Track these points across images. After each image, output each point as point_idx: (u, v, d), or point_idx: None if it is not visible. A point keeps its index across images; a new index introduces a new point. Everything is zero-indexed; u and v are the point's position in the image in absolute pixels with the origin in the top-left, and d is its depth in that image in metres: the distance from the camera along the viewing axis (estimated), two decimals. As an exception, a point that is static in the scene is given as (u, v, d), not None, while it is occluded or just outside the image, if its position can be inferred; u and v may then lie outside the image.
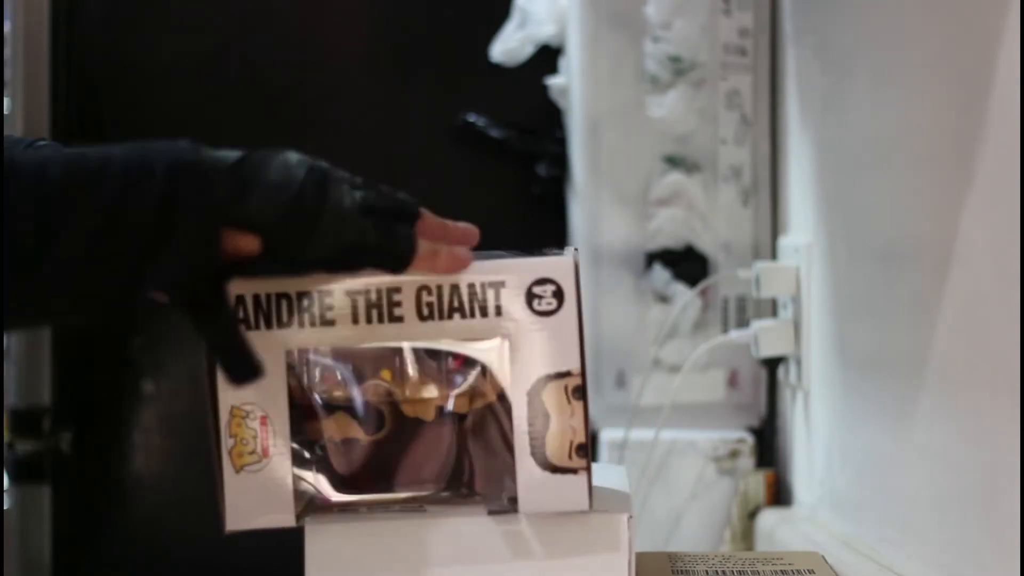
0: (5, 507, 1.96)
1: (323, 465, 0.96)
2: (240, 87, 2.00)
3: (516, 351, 0.95)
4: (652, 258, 1.77)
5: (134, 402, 2.00)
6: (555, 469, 0.95)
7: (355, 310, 0.94)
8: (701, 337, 1.75)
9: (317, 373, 0.95)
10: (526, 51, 1.93)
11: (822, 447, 1.56)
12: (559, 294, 0.95)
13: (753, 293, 1.66)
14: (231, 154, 0.89)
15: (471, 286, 0.95)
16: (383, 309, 0.94)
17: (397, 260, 0.92)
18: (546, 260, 0.96)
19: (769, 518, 1.67)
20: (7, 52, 1.93)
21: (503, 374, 0.96)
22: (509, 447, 0.97)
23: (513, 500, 0.97)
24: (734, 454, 1.74)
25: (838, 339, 1.51)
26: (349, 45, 2.02)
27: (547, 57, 1.94)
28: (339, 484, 0.96)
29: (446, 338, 0.95)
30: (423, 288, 0.94)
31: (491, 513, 0.97)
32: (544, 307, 0.95)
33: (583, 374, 0.95)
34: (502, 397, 0.97)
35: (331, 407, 0.96)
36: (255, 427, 0.93)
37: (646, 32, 1.76)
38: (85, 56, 1.99)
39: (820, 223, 1.57)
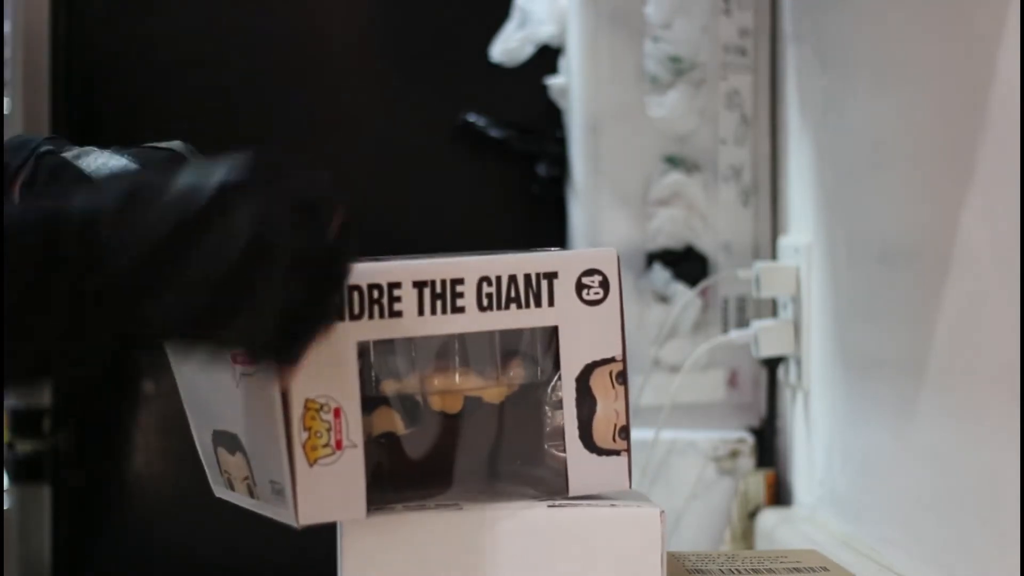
0: (5, 507, 1.96)
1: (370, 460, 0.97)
2: (240, 87, 2.00)
3: (566, 339, 0.98)
4: (652, 258, 1.77)
5: (134, 402, 2.00)
6: (601, 452, 0.99)
7: (421, 301, 0.95)
8: (701, 337, 1.75)
9: (366, 366, 0.96)
10: (526, 51, 1.93)
11: (822, 447, 1.56)
12: (605, 284, 0.99)
13: (753, 293, 1.66)
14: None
15: (527, 276, 0.97)
16: (447, 300, 0.96)
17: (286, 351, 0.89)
18: (593, 252, 1.00)
19: (769, 518, 1.67)
20: (7, 52, 1.93)
21: (549, 360, 0.99)
22: (545, 434, 0.99)
23: (550, 486, 0.99)
24: (734, 454, 1.74)
25: (838, 339, 1.51)
26: (349, 45, 2.02)
27: (547, 57, 1.94)
28: (379, 480, 0.97)
29: (503, 327, 0.97)
30: (484, 279, 0.97)
31: (533, 508, 0.98)
32: (592, 296, 0.99)
33: (624, 360, 0.99)
34: (540, 385, 0.99)
35: (376, 401, 0.97)
36: (329, 419, 0.94)
37: (646, 32, 1.76)
38: (85, 56, 1.99)
39: (820, 223, 1.57)
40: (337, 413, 0.94)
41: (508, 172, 1.99)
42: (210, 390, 0.99)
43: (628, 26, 1.77)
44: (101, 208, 0.84)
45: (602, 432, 0.99)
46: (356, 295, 0.94)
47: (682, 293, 1.76)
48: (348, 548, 0.96)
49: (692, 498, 1.74)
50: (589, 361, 0.99)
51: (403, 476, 0.99)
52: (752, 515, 1.71)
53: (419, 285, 0.96)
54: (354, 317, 0.94)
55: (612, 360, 0.99)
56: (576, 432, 0.98)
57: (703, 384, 1.77)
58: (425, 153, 2.00)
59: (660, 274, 1.77)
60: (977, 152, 1.14)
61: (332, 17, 2.01)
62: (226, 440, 0.99)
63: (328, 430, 0.93)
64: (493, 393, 1.00)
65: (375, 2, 2.02)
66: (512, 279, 0.97)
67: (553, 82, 1.93)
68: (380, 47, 2.01)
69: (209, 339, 0.87)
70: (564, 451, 0.99)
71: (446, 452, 0.99)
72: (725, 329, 1.76)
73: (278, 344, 0.87)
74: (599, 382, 0.99)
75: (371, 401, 0.97)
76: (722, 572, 1.08)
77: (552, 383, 0.99)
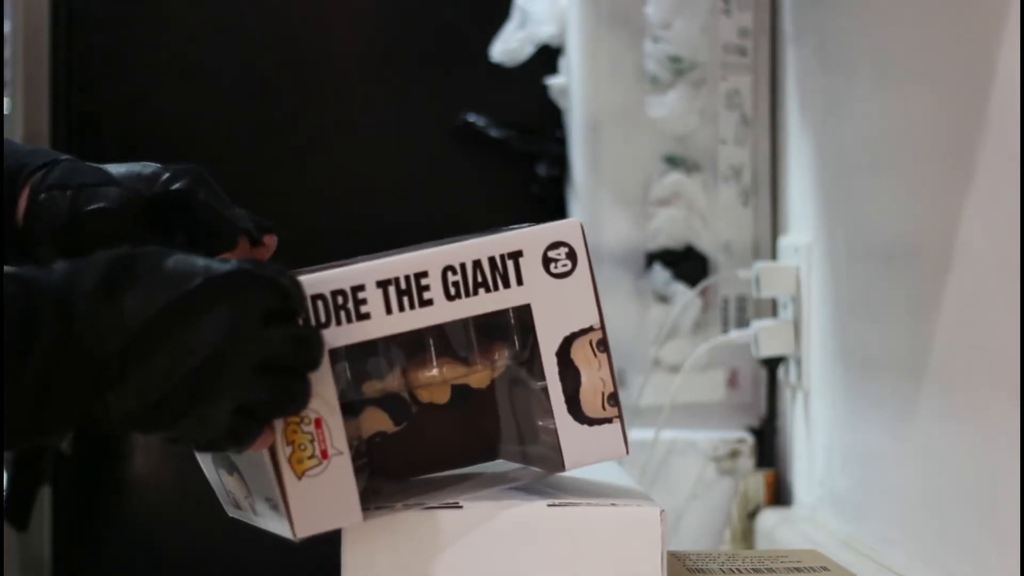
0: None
1: (358, 464, 0.97)
2: (240, 87, 2.00)
3: (540, 315, 0.98)
4: (652, 258, 1.77)
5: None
6: (592, 422, 0.99)
7: (387, 300, 0.95)
8: (701, 337, 1.75)
9: (348, 370, 0.96)
10: (526, 51, 1.93)
11: (822, 447, 1.56)
12: (572, 255, 1.00)
13: (753, 293, 1.66)
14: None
15: (491, 259, 0.97)
16: (413, 295, 0.95)
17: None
18: (556, 225, 1.00)
19: (769, 518, 1.67)
20: (7, 52, 1.93)
21: (528, 338, 0.99)
22: (538, 411, 0.99)
23: (550, 462, 0.99)
24: (734, 454, 1.74)
25: (838, 339, 1.51)
26: (349, 45, 2.02)
27: (547, 57, 1.94)
28: (371, 482, 0.97)
29: (474, 314, 0.97)
30: (448, 268, 0.96)
31: (533, 505, 0.97)
32: (560, 269, 0.99)
33: (603, 328, 0.99)
34: (523, 363, 0.99)
35: (361, 404, 0.97)
36: (311, 431, 0.93)
37: (646, 32, 1.76)
38: (85, 56, 1.99)
39: (820, 223, 1.57)
40: (318, 423, 0.94)
41: (508, 172, 1.99)
42: None
43: (628, 26, 1.77)
44: (83, 286, 0.84)
45: (590, 402, 0.99)
46: (321, 304, 0.94)
47: (682, 293, 1.76)
48: (349, 547, 0.96)
49: (692, 498, 1.74)
50: (567, 334, 0.98)
51: (403, 472, 0.99)
52: (752, 515, 1.71)
53: (383, 284, 0.95)
54: (322, 326, 0.94)
55: (590, 329, 0.99)
56: (564, 406, 0.98)
57: (703, 384, 1.77)
58: (425, 153, 2.00)
59: (660, 274, 1.77)
60: (977, 152, 1.14)
61: (332, 17, 2.01)
62: (224, 462, 0.99)
63: (312, 441, 0.93)
64: (478, 378, 0.99)
65: (375, 2, 2.02)
66: (477, 264, 0.97)
67: (553, 82, 1.93)
68: (380, 47, 2.01)
69: (162, 431, 0.88)
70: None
71: (442, 443, 0.99)
72: (725, 329, 1.76)
73: (228, 439, 0.88)
74: (580, 353, 0.98)
75: (355, 405, 0.97)
76: (723, 572, 1.08)
77: (534, 360, 0.99)
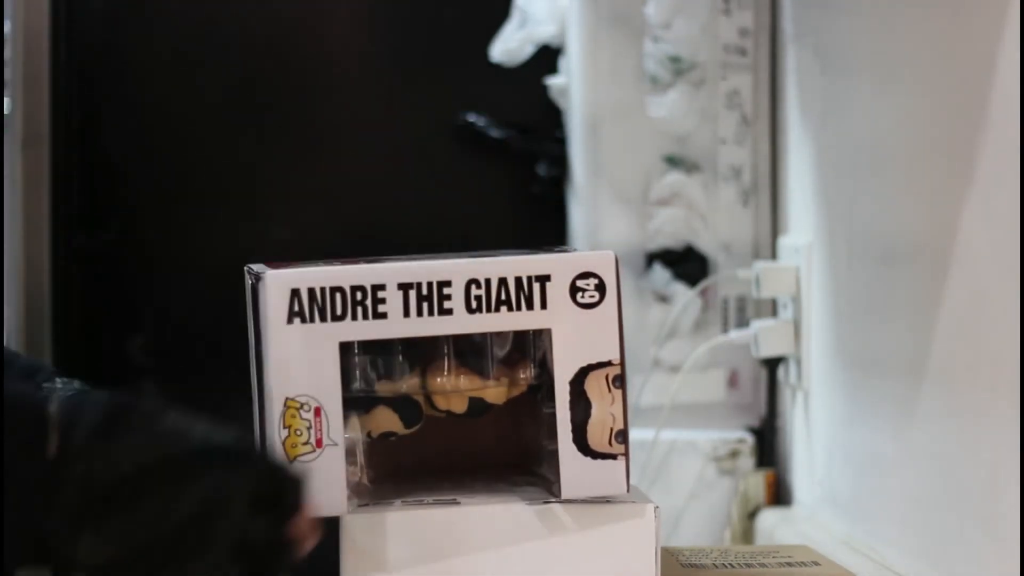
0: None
1: (366, 459, 0.97)
2: (240, 87, 2.00)
3: (559, 342, 0.98)
4: (652, 258, 1.77)
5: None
6: (596, 455, 0.99)
7: (406, 303, 0.95)
8: (701, 337, 1.75)
9: (362, 367, 0.97)
10: (526, 51, 1.93)
11: (822, 447, 1.56)
12: (601, 287, 0.99)
13: (753, 293, 1.66)
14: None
15: (518, 279, 0.97)
16: (433, 302, 0.96)
17: None
18: (589, 255, 1.00)
19: (769, 518, 1.67)
20: (7, 52, 1.93)
21: (546, 362, 0.99)
22: (547, 435, 0.99)
23: (551, 487, 0.99)
24: (734, 454, 1.74)
25: (838, 339, 1.51)
26: (349, 44, 2.02)
27: (547, 57, 1.94)
28: (377, 479, 0.98)
29: (493, 330, 0.98)
30: (472, 281, 0.97)
31: (530, 503, 0.98)
32: (587, 300, 0.99)
33: (622, 364, 0.99)
34: (539, 387, 0.99)
35: (373, 400, 0.97)
36: (309, 418, 0.94)
37: (646, 32, 1.76)
38: (85, 56, 1.99)
39: (820, 223, 1.57)
40: (318, 412, 0.94)
41: (508, 172, 1.99)
42: None
43: (628, 26, 1.77)
44: (84, 419, 0.85)
45: (597, 435, 0.99)
46: (339, 296, 0.94)
47: (682, 293, 1.76)
48: (347, 544, 0.97)
49: (692, 498, 1.74)
50: (584, 364, 0.98)
51: (407, 474, 0.99)
52: (752, 515, 1.71)
53: (404, 287, 0.96)
54: (337, 318, 0.94)
55: (608, 364, 0.99)
56: (570, 435, 0.98)
57: (703, 384, 1.77)
58: (425, 153, 2.00)
59: (660, 274, 1.77)
60: (977, 152, 1.14)
61: (332, 17, 2.01)
62: None
63: (308, 428, 0.94)
64: (494, 393, 1.00)
65: (375, 2, 2.02)
66: (503, 282, 0.97)
67: (553, 82, 1.93)
68: (380, 47, 2.01)
69: None
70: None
71: (451, 450, 1.00)
72: (725, 329, 1.76)
73: None
74: (594, 385, 0.99)
75: (366, 401, 0.97)
76: (716, 567, 1.08)
77: (549, 385, 0.99)
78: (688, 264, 1.77)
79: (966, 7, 1.17)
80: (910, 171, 1.30)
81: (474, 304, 0.96)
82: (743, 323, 1.75)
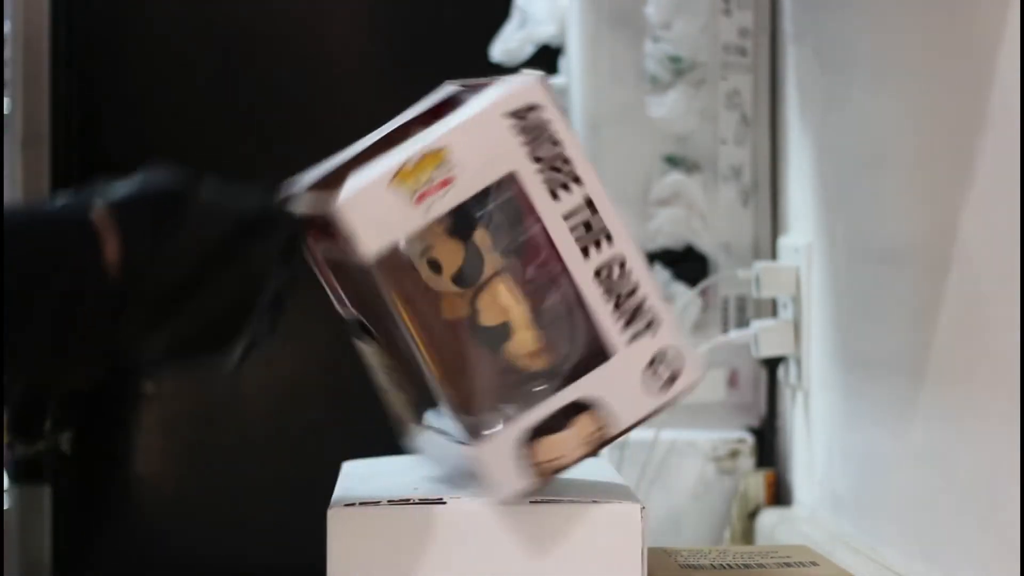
0: (5, 507, 1.95)
1: None
2: (240, 87, 2.00)
3: None
4: (652, 258, 1.77)
5: (134, 403, 2.00)
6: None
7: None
8: (701, 337, 1.75)
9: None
10: (526, 51, 1.93)
11: (822, 447, 1.56)
12: None
13: (753, 293, 1.66)
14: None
15: None
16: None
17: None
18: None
19: (769, 518, 1.67)
20: (7, 52, 1.93)
21: None
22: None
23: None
24: (734, 454, 1.74)
25: (838, 339, 1.51)
26: (349, 44, 2.02)
27: (547, 57, 1.94)
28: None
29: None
30: None
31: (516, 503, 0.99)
32: None
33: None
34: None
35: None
36: (437, 178, 1.01)
37: (646, 32, 1.76)
38: (85, 56, 1.99)
39: (820, 223, 1.57)
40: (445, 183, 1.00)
41: (508, 172, 1.99)
42: None
43: (628, 26, 1.77)
44: (133, 216, 0.90)
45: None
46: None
47: (682, 293, 1.76)
48: (334, 543, 0.97)
49: (692, 498, 1.74)
50: None
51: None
52: (752, 515, 1.71)
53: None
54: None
55: None
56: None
57: (703, 384, 1.76)
58: (425, 153, 2.00)
59: (660, 274, 1.77)
60: (977, 152, 1.14)
61: (332, 17, 2.01)
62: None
63: (429, 181, 1.00)
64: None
65: (375, 2, 2.02)
66: None
67: (553, 82, 1.93)
68: (380, 47, 2.01)
69: (217, 352, 0.94)
70: None
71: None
72: (725, 329, 1.76)
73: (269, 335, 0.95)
74: None
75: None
76: (713, 567, 1.08)
77: None
78: (688, 264, 1.77)
79: (966, 7, 1.17)
80: (910, 171, 1.30)
81: None
82: (743, 323, 1.75)
